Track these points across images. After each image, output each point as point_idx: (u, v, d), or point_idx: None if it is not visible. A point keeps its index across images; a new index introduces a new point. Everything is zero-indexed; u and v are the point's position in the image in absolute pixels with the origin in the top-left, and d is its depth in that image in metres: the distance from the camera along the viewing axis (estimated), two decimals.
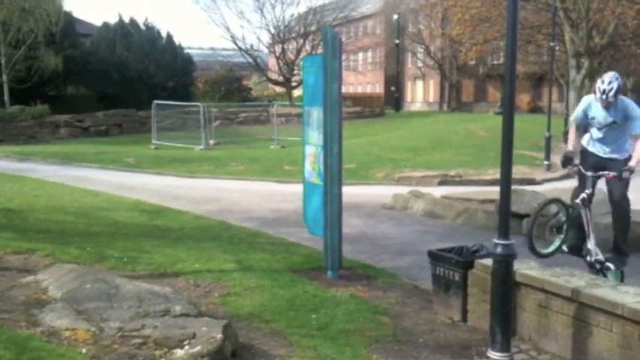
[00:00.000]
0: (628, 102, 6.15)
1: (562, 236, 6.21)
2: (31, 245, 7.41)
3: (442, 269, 6.04)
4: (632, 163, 5.98)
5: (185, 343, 4.35)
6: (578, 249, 6.29)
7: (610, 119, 6.12)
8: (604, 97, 5.96)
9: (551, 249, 6.21)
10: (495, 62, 49.90)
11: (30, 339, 4.35)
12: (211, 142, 26.54)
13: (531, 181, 16.48)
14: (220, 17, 59.92)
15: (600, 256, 6.12)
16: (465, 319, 5.85)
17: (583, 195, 6.14)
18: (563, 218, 6.19)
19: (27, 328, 4.58)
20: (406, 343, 5.29)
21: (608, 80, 5.96)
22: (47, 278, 5.93)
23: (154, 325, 4.61)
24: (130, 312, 4.91)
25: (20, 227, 8.84)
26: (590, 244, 6.13)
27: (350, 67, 57.75)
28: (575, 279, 5.09)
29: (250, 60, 47.94)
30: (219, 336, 4.38)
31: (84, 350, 4.30)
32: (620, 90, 6.04)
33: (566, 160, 6.22)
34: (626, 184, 6.11)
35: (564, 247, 6.26)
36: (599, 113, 6.17)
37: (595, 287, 4.86)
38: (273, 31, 48.43)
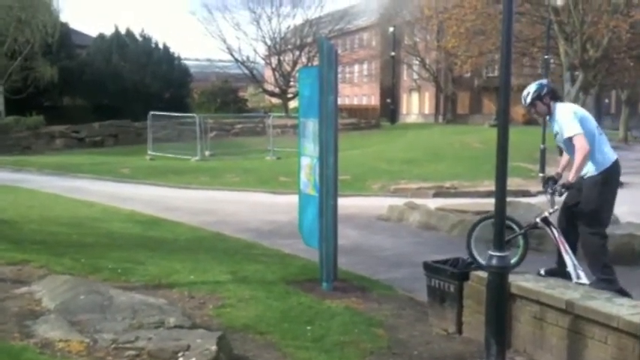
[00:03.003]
0: (559, 106, 5.65)
1: (516, 251, 5.69)
2: (25, 256, 7.38)
3: (437, 281, 6.03)
4: (569, 179, 5.44)
5: (179, 355, 4.33)
6: (555, 274, 5.63)
7: (555, 131, 5.73)
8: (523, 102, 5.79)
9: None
10: (490, 75, 50.18)
11: (23, 350, 4.32)
12: (207, 153, 26.55)
13: (526, 193, 16.51)
14: (217, 29, 59.66)
15: (584, 280, 5.47)
16: (460, 330, 5.84)
17: (544, 214, 5.75)
18: (513, 235, 5.70)
19: (20, 339, 4.55)
20: (401, 355, 5.27)
21: (530, 86, 5.77)
22: (41, 289, 5.90)
23: (148, 337, 4.58)
24: (124, 323, 4.88)
25: (14, 238, 8.81)
26: (569, 267, 5.54)
27: (346, 79, 57.96)
28: (570, 291, 5.09)
29: (246, 71, 48.05)
30: (214, 348, 4.36)
31: None
32: (543, 96, 5.65)
33: (545, 182, 5.84)
34: (587, 202, 5.47)
35: (540, 270, 5.76)
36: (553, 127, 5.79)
37: (590, 299, 4.86)
38: (269, 42, 48.60)
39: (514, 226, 5.73)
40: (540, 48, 26.79)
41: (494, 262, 4.81)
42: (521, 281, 5.36)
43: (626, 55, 28.05)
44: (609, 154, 5.56)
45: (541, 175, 19.71)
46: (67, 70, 34.70)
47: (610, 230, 9.33)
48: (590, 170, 5.49)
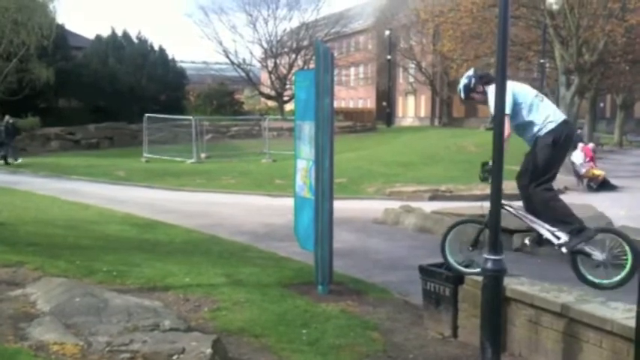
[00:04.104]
0: (490, 89, 5.45)
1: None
2: (19, 258, 7.36)
3: (433, 284, 6.04)
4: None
5: (174, 358, 4.32)
6: (540, 243, 5.65)
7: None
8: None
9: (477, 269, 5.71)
10: None
11: (17, 353, 4.31)
12: (203, 155, 26.54)
13: None
14: (213, 31, 59.96)
15: (564, 237, 5.36)
16: (455, 334, 5.84)
17: None
18: (478, 231, 5.73)
19: (15, 342, 4.54)
20: (396, 358, 5.28)
21: (460, 81, 5.83)
22: (36, 292, 5.88)
23: (143, 340, 4.57)
24: (119, 326, 4.87)
25: (9, 240, 8.78)
26: (544, 234, 5.47)
27: (342, 82, 58.03)
28: (564, 294, 5.10)
29: (242, 74, 48.11)
30: (209, 351, 4.36)
31: None
32: (474, 86, 5.71)
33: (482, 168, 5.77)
34: (534, 160, 5.49)
35: (525, 240, 5.75)
36: None
37: (584, 303, 4.87)
38: (265, 45, 48.69)
39: (476, 224, 5.80)
40: (536, 52, 26.91)
41: (489, 265, 4.81)
42: (516, 285, 5.37)
43: (622, 60, 28.17)
44: (557, 117, 5.54)
45: None
46: (63, 71, 34.66)
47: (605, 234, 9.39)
48: (539, 132, 5.48)
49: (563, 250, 5.38)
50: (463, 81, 5.86)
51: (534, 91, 5.71)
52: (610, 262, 5.25)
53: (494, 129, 4.87)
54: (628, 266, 5.12)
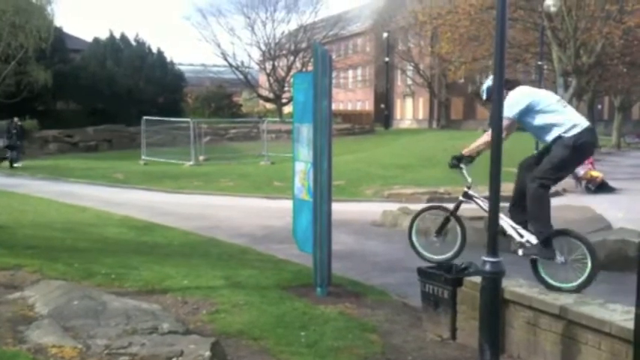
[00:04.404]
0: (510, 94, 5.58)
1: (456, 242, 5.87)
2: (18, 261, 7.35)
3: (431, 286, 6.04)
4: (463, 152, 5.83)
5: None
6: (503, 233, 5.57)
7: None
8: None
9: (445, 255, 5.95)
10: (484, 80, 50.27)
11: (16, 356, 4.30)
12: (201, 158, 26.53)
13: None
14: (211, 34, 59.87)
15: (527, 236, 5.42)
16: (454, 336, 5.84)
17: (464, 189, 5.89)
18: (443, 219, 5.91)
19: (13, 344, 4.53)
20: None
21: (485, 82, 5.84)
22: (34, 294, 5.88)
23: (142, 343, 4.57)
24: (118, 329, 4.87)
25: (7, 243, 8.77)
26: (508, 231, 5.52)
27: (340, 85, 58.14)
28: (562, 296, 5.10)
29: (241, 76, 48.16)
30: (207, 354, 4.35)
31: None
32: (491, 90, 5.51)
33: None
34: (551, 158, 5.48)
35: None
36: None
37: (583, 305, 4.87)
38: (263, 48, 48.75)
39: (441, 212, 6.02)
40: (534, 54, 26.91)
41: (487, 267, 4.81)
42: (514, 287, 5.37)
43: (619, 62, 28.22)
44: (581, 122, 5.52)
45: None
46: (61, 74, 34.68)
47: (603, 236, 9.44)
48: (564, 134, 5.46)
49: (520, 252, 5.43)
50: (487, 82, 5.82)
51: (557, 97, 5.78)
52: (570, 266, 5.27)
53: (492, 129, 4.87)
54: (588, 270, 5.16)
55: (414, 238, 6.15)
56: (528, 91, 5.68)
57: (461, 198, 5.91)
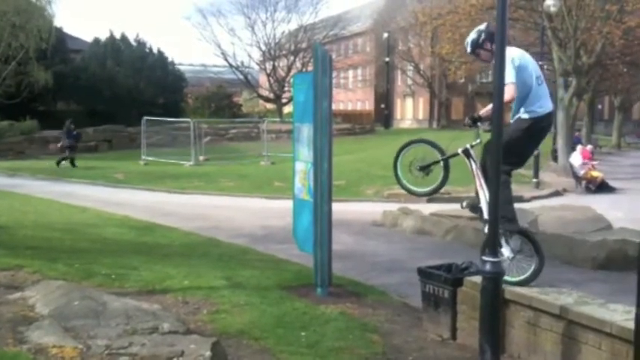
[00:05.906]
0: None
1: (436, 178, 5.98)
2: (18, 261, 7.35)
3: (431, 286, 6.04)
4: (480, 113, 5.65)
5: None
6: (474, 209, 5.71)
7: None
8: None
9: (420, 189, 6.13)
10: (484, 80, 50.32)
11: (17, 356, 4.30)
12: (201, 158, 26.53)
13: (519, 199, 16.51)
14: (211, 34, 59.84)
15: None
16: (454, 336, 5.84)
17: (466, 145, 5.75)
18: (433, 160, 5.94)
19: (14, 345, 4.53)
20: None
21: (470, 34, 5.70)
22: (34, 295, 5.88)
23: (142, 343, 4.57)
24: (118, 329, 4.87)
25: (8, 243, 8.78)
26: (481, 202, 5.52)
27: (340, 85, 58.12)
28: (563, 296, 5.10)
29: (241, 77, 48.19)
30: (208, 354, 4.35)
31: None
32: (482, 42, 5.54)
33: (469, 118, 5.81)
34: (505, 136, 5.18)
35: (462, 203, 5.95)
36: None
37: (583, 305, 4.87)
38: (263, 48, 48.78)
39: (437, 153, 5.97)
40: (534, 54, 26.85)
41: (487, 267, 4.81)
42: (514, 286, 5.37)
43: (619, 62, 28.19)
44: (545, 105, 5.49)
45: (535, 180, 19.76)
46: (62, 74, 34.68)
47: (603, 236, 9.45)
48: (522, 113, 5.45)
49: (486, 229, 5.30)
50: (472, 35, 5.68)
51: (538, 72, 5.60)
52: (516, 262, 5.37)
53: (493, 127, 4.85)
54: (531, 269, 5.28)
55: (398, 166, 6.19)
56: (516, 56, 5.38)
57: (460, 151, 5.78)
